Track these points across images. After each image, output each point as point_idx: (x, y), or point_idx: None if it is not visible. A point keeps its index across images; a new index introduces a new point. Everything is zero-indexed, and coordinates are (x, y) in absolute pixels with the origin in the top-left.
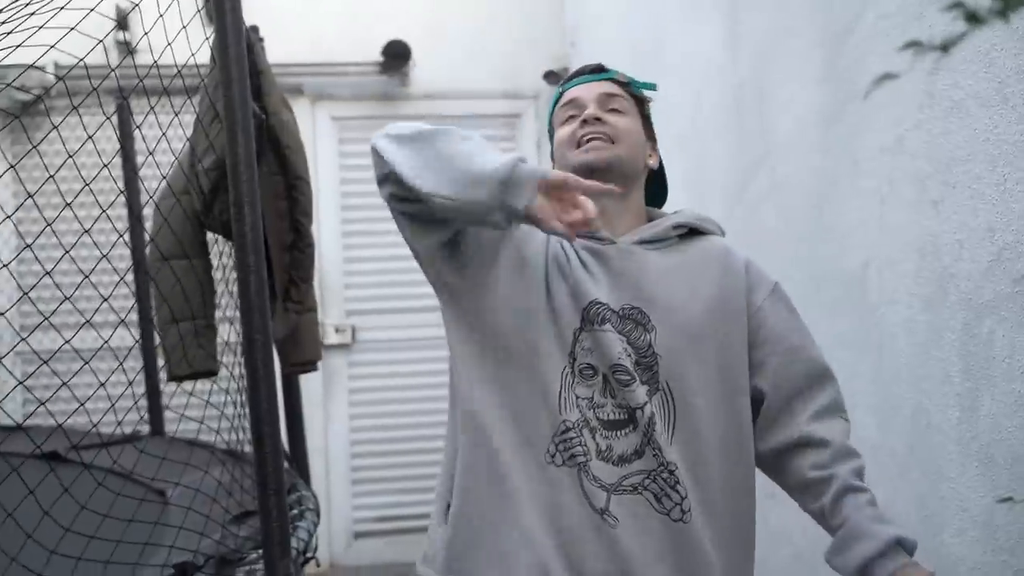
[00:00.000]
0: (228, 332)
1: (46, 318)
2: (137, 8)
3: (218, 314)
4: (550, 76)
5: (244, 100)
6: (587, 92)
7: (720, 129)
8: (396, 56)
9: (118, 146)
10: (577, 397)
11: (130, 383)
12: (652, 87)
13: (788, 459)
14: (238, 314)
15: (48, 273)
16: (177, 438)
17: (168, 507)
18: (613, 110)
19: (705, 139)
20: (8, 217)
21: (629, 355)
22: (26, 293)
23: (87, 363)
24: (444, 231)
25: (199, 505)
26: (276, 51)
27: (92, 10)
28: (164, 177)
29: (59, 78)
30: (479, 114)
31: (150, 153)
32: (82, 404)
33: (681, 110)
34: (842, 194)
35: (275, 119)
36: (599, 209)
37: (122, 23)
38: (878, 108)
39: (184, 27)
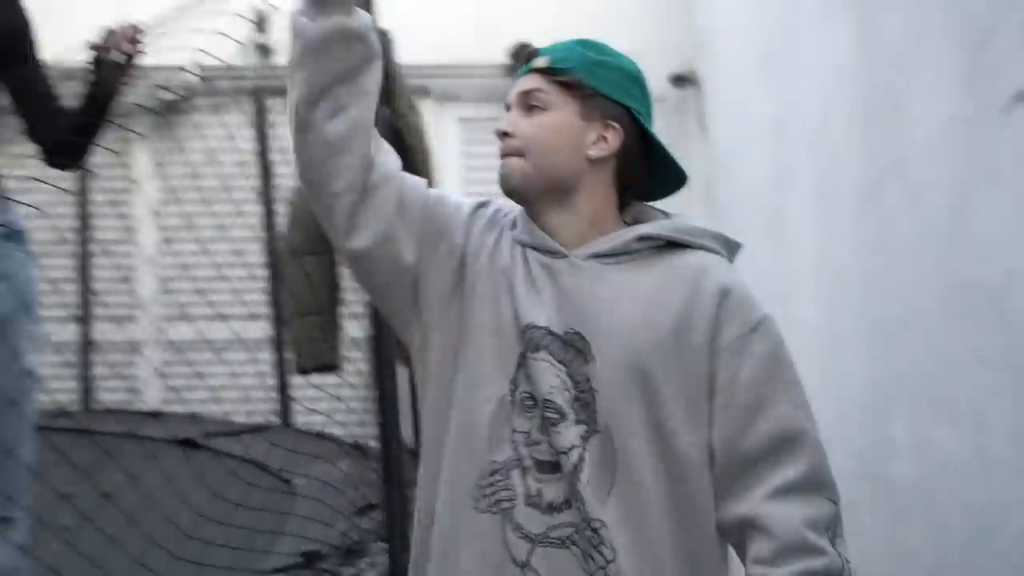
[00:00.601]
0: (353, 328)
1: (179, 310)
2: (274, 10)
3: (344, 310)
4: (677, 80)
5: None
6: (512, 94)
7: (851, 134)
8: (523, 58)
9: (255, 144)
10: (514, 431)
11: (258, 375)
12: (580, 68)
13: (742, 540)
14: (363, 310)
15: (184, 267)
16: (305, 430)
17: (295, 497)
18: (530, 108)
19: (835, 144)
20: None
21: (567, 389)
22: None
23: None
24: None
25: (325, 496)
26: (403, 53)
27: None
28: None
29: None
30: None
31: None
32: (209, 393)
33: (810, 114)
34: (981, 203)
35: (402, 122)
36: (546, 218)
37: (260, 25)
38: (1020, 114)
39: None
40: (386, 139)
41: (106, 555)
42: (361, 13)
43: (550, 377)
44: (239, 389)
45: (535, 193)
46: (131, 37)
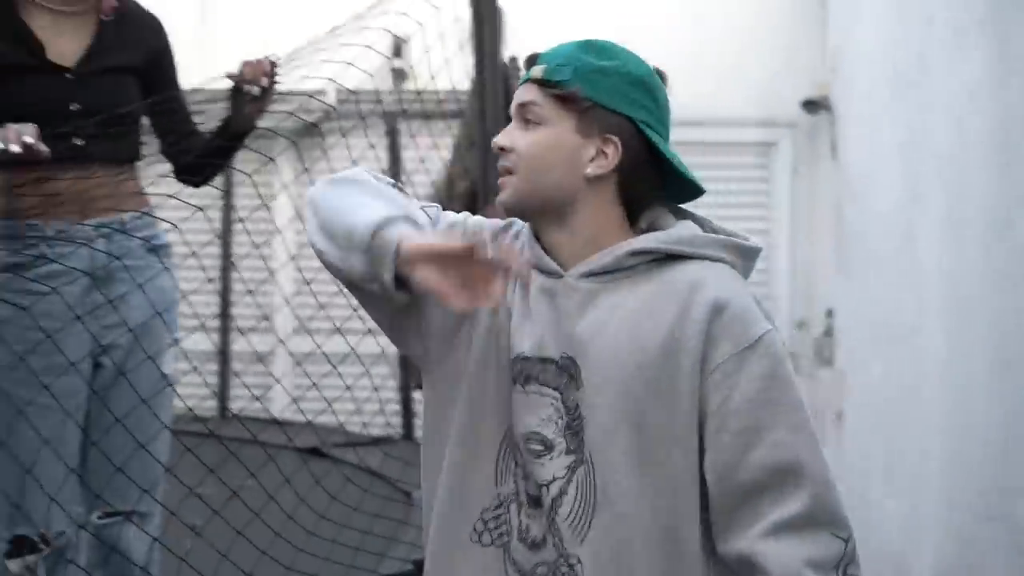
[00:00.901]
0: None
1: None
2: (409, 38)
3: None
4: (809, 105)
5: (498, 129)
6: (513, 105)
7: (984, 160)
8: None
9: (387, 166)
10: (516, 464)
11: (376, 389)
12: (576, 79)
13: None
14: None
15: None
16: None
17: (412, 507)
18: (527, 122)
19: (966, 171)
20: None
21: (561, 417)
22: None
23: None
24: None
25: None
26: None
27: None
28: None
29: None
30: (732, 142)
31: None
32: (329, 405)
33: (942, 140)
34: None
35: None
36: (546, 236)
37: (397, 51)
38: None
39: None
40: None
41: (232, 549)
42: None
43: (542, 408)
44: (363, 402)
45: (531, 212)
46: (267, 71)
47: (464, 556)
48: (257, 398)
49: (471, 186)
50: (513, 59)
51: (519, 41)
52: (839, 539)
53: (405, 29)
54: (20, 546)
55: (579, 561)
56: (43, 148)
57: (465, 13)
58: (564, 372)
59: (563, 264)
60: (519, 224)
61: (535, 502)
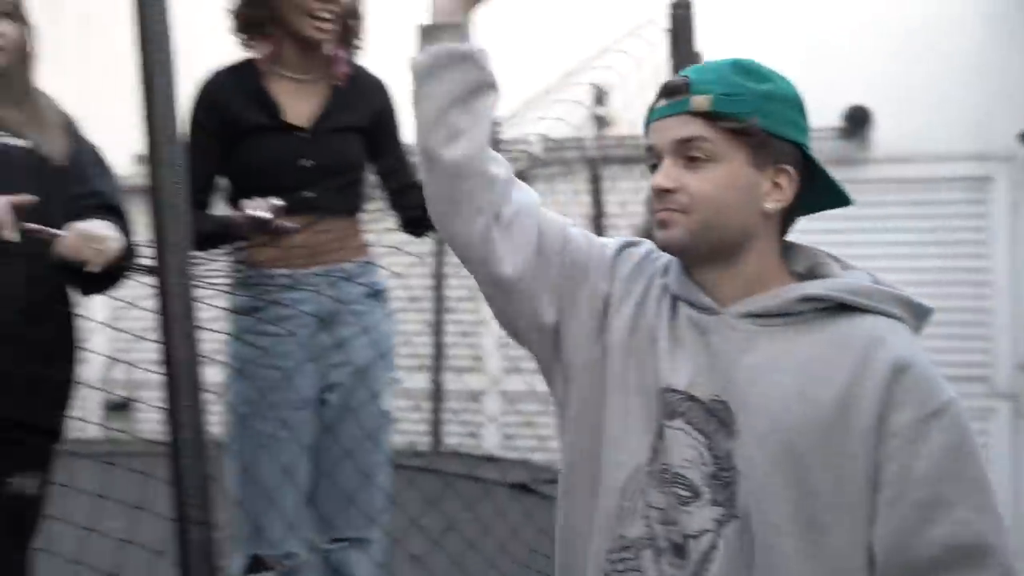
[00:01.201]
0: None
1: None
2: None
3: None
4: None
5: None
6: (661, 138)
7: None
8: (857, 121)
9: (590, 209)
10: (648, 506)
11: None
12: (749, 108)
13: None
14: None
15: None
16: None
17: None
18: (692, 159)
19: None
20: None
21: (704, 463)
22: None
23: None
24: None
25: None
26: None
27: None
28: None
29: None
30: (944, 177)
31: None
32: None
33: None
34: None
35: None
36: (704, 273)
37: (599, 99)
38: None
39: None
40: None
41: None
42: (475, 40)
43: (685, 449)
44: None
45: (701, 252)
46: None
47: None
48: (471, 435)
49: None
50: None
51: None
52: None
53: (607, 79)
54: (258, 564)
55: None
56: (289, 225)
57: (663, 60)
58: (713, 416)
59: (718, 300)
60: (648, 243)
61: (678, 551)
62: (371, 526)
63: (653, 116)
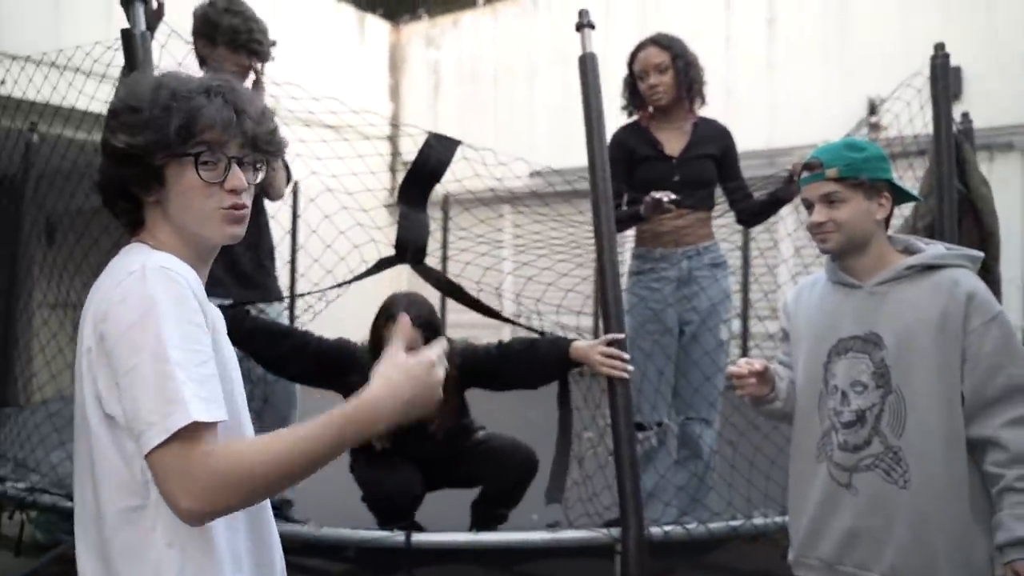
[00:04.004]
0: None
1: None
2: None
3: None
4: None
5: (951, 178)
6: (812, 194)
7: None
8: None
9: None
10: (827, 407)
11: None
12: (857, 169)
13: (979, 450)
14: None
15: None
16: None
17: None
18: (832, 203)
19: None
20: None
21: (869, 368)
22: None
23: None
24: None
25: None
26: (994, 117)
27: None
28: None
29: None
30: None
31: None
32: None
33: None
34: None
35: (975, 193)
36: (844, 260)
37: (873, 109)
38: None
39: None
40: (961, 203)
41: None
42: None
43: (858, 364)
44: None
45: (851, 245)
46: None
47: (811, 471)
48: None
49: (931, 222)
50: (965, 115)
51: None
52: None
53: (880, 91)
54: (639, 427)
55: (900, 448)
56: (672, 207)
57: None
58: (869, 342)
59: (857, 277)
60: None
61: (850, 424)
62: (712, 410)
63: (803, 182)
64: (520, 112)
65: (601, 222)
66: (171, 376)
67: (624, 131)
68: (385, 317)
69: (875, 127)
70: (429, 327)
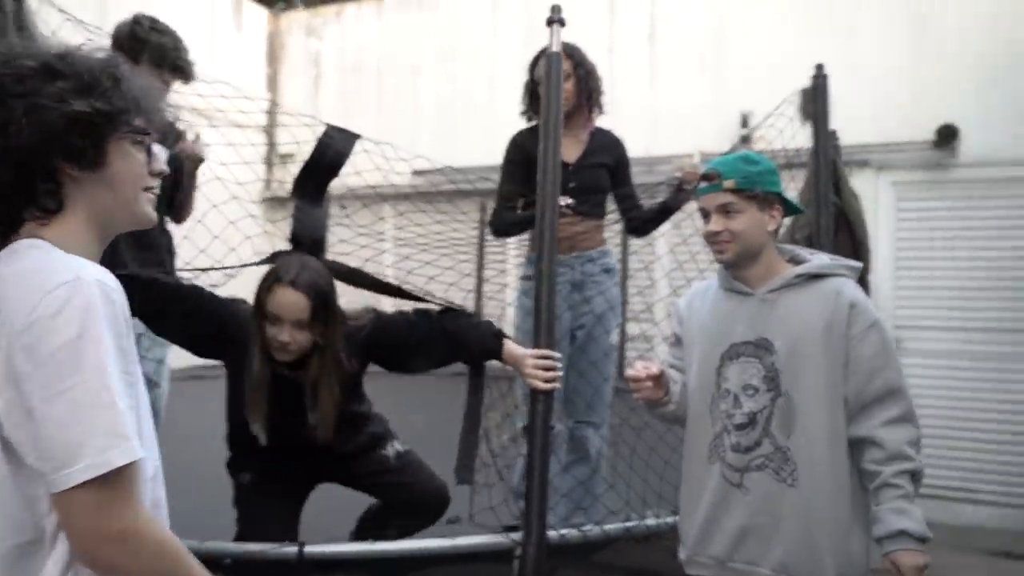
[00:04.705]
0: None
1: None
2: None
3: None
4: None
5: (828, 192)
6: (709, 204)
7: None
8: (947, 135)
9: None
10: (718, 409)
11: None
12: (753, 182)
13: (859, 450)
14: None
15: None
16: None
17: None
18: (728, 213)
19: None
20: None
21: (759, 372)
22: None
23: None
24: None
25: None
26: (852, 136)
27: None
28: None
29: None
30: (1018, 177)
31: None
32: None
33: None
34: None
35: (847, 206)
36: (737, 269)
37: (744, 122)
38: None
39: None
40: (837, 216)
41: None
42: None
43: (750, 368)
44: None
45: (746, 255)
46: (696, 176)
47: (704, 472)
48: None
49: (809, 233)
50: (833, 132)
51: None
52: (916, 429)
53: (752, 106)
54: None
55: (788, 448)
56: (569, 212)
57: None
58: (760, 347)
59: (749, 285)
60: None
61: (742, 427)
62: (601, 413)
63: (701, 192)
64: (405, 108)
65: (544, 230)
66: (112, 405)
67: (524, 134)
68: (271, 281)
69: (746, 139)
70: (319, 295)
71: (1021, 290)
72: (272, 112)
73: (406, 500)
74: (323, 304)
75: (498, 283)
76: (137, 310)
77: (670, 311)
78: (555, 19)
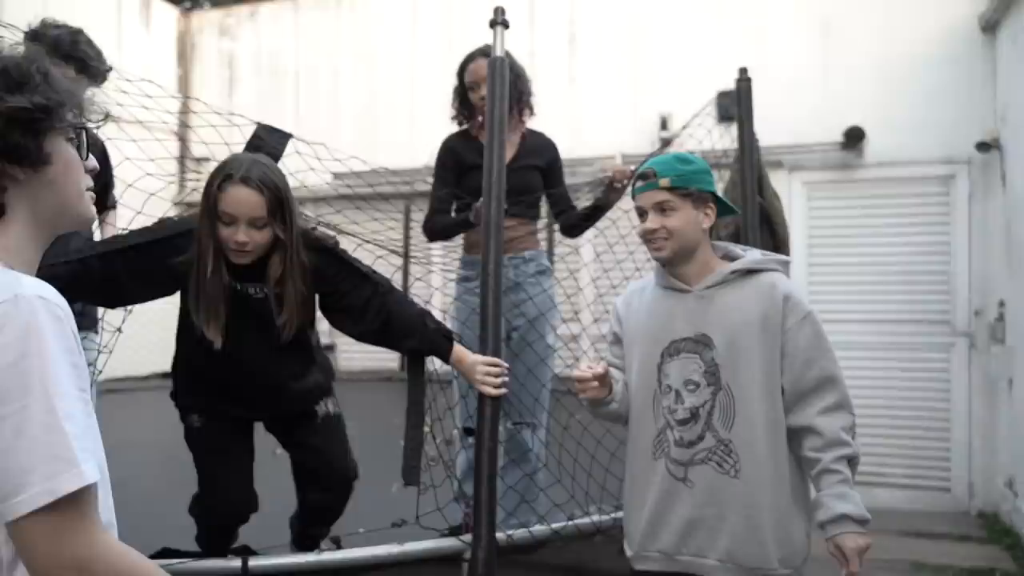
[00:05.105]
0: None
1: None
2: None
3: None
4: (981, 146)
5: (754, 191)
6: (645, 202)
7: None
8: (854, 137)
9: None
10: (661, 406)
11: None
12: (688, 181)
13: (797, 438)
14: None
15: None
16: None
17: None
18: (664, 211)
19: None
20: None
21: (700, 367)
22: None
23: None
24: None
25: None
26: (765, 138)
27: None
28: None
29: None
30: (920, 176)
31: None
32: None
33: None
34: None
35: (769, 205)
36: (673, 267)
37: (664, 124)
38: None
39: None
40: (760, 220)
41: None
42: None
43: (690, 365)
44: None
45: (682, 252)
46: (628, 175)
47: (648, 468)
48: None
49: (735, 231)
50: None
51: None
52: (852, 415)
53: (671, 108)
54: (469, 433)
55: (730, 440)
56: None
57: (714, 91)
58: (700, 343)
59: (686, 282)
60: (632, 285)
61: (685, 422)
62: (540, 415)
63: (637, 191)
64: (324, 111)
65: (490, 233)
66: (59, 429)
67: (454, 138)
68: (220, 179)
69: (666, 142)
70: (274, 189)
71: (922, 283)
72: (186, 112)
73: (312, 469)
74: (278, 199)
75: (424, 284)
76: (88, 294)
77: (607, 311)
78: (498, 21)
